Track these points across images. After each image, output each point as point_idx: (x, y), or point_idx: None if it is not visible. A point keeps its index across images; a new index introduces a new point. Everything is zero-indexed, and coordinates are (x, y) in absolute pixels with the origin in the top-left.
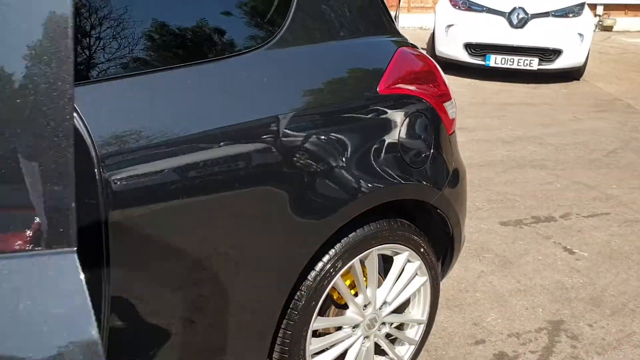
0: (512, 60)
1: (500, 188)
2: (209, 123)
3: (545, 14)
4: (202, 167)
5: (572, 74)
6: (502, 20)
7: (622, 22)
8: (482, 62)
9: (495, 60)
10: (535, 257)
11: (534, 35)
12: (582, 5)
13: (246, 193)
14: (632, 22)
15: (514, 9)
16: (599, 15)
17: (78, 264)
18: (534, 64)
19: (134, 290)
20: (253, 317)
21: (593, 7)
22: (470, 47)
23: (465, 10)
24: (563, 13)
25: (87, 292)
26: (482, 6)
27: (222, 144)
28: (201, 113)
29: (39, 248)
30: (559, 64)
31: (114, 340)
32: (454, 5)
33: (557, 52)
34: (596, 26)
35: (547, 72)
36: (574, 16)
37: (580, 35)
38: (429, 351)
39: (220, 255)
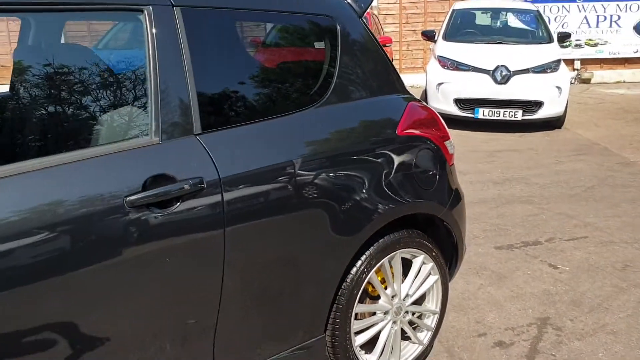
0: (498, 112)
1: (494, 220)
2: (286, 156)
3: (526, 71)
4: (287, 190)
5: (553, 123)
6: (487, 78)
7: (599, 74)
8: (471, 115)
9: (483, 113)
10: (525, 272)
11: (516, 89)
12: (558, 61)
13: (309, 211)
14: (608, 74)
15: (497, 67)
16: (577, 70)
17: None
18: (518, 115)
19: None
20: (315, 301)
21: (571, 62)
22: (459, 102)
23: (454, 70)
24: (541, 69)
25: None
26: (469, 65)
27: (300, 178)
28: (279, 150)
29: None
30: (540, 114)
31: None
32: (443, 66)
33: (538, 104)
34: (575, 79)
35: (530, 121)
36: (551, 71)
37: (558, 88)
38: (442, 342)
39: (295, 257)
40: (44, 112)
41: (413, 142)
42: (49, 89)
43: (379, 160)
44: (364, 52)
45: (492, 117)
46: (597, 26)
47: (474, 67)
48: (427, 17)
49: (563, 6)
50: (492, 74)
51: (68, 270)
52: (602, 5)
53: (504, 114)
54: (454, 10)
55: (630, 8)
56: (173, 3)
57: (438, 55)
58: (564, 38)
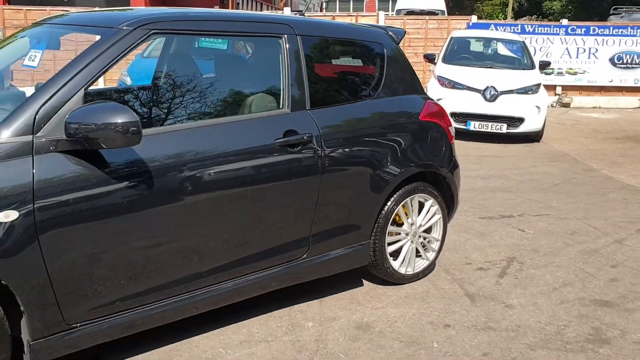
0: (487, 125)
1: (479, 202)
2: (354, 127)
3: (511, 91)
4: (354, 147)
5: (533, 137)
6: (478, 96)
7: (578, 100)
8: (464, 127)
9: (474, 126)
10: (500, 232)
11: (502, 107)
12: (538, 85)
13: (365, 162)
14: (586, 100)
15: (487, 87)
16: (559, 94)
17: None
18: (503, 128)
19: (329, 195)
20: (366, 218)
21: (553, 87)
22: (455, 116)
23: (450, 88)
24: (524, 91)
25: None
26: (463, 85)
27: (363, 140)
28: (348, 124)
29: None
30: (522, 128)
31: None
32: (442, 85)
33: (520, 120)
34: (556, 103)
35: (513, 134)
36: (532, 93)
37: (538, 107)
38: (441, 266)
39: (357, 188)
40: (234, 91)
41: (429, 125)
42: (232, 80)
43: (407, 134)
44: (400, 66)
45: (482, 130)
46: (577, 57)
47: (468, 86)
48: (427, 42)
49: (548, 38)
50: (482, 92)
51: (246, 180)
52: (582, 39)
53: (491, 127)
54: (452, 37)
55: (606, 42)
56: (296, 33)
57: (437, 75)
58: (544, 66)
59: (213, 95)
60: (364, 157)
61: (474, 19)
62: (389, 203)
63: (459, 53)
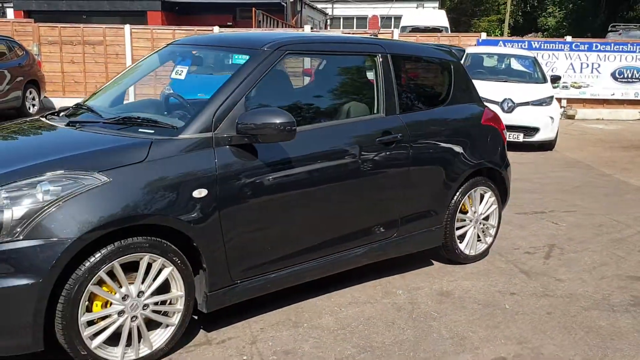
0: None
1: (512, 201)
2: (432, 128)
3: (527, 103)
4: (432, 149)
5: (546, 146)
6: (497, 107)
7: (582, 112)
8: None
9: None
10: (536, 225)
11: (519, 117)
12: (551, 97)
13: (440, 158)
14: (590, 112)
15: (505, 99)
16: (564, 107)
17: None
18: (520, 137)
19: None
20: (440, 207)
21: (559, 100)
22: None
23: None
24: (539, 103)
25: None
26: (482, 97)
27: (439, 139)
28: (428, 127)
29: None
30: (537, 137)
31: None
32: None
33: (535, 130)
34: (562, 115)
35: (529, 143)
36: (546, 105)
37: (551, 118)
38: (494, 251)
39: (435, 182)
40: (343, 99)
41: (488, 128)
42: (341, 92)
43: (472, 136)
44: (463, 79)
45: None
46: (581, 72)
47: (487, 98)
48: None
49: (553, 54)
50: (500, 104)
51: (356, 170)
52: (586, 54)
53: (509, 136)
54: (467, 53)
55: (608, 58)
56: (387, 52)
57: None
58: (555, 80)
59: (329, 102)
60: (440, 153)
61: (483, 35)
62: (457, 193)
63: (474, 68)
